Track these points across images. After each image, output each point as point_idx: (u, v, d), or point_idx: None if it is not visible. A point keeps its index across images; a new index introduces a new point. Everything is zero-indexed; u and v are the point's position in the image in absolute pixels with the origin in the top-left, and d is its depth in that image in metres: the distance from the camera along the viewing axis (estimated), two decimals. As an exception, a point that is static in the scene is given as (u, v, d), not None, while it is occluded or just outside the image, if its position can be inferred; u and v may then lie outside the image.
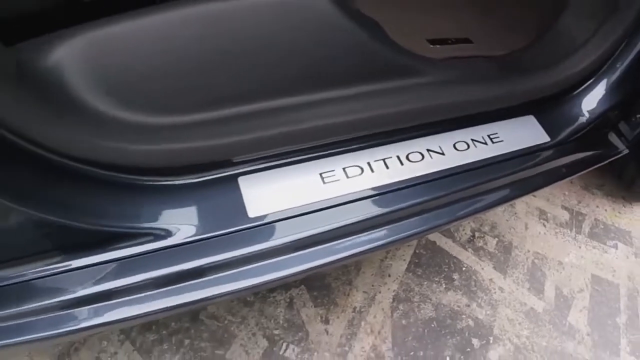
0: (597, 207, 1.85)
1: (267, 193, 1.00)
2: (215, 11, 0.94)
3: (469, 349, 1.40)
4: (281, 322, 1.39)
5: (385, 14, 1.16)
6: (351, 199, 1.03)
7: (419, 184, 1.08)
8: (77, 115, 0.87)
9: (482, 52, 1.39)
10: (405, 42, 1.13)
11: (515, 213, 1.77)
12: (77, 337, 1.30)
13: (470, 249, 1.63)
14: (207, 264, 0.94)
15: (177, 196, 0.99)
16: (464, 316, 1.46)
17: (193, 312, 1.38)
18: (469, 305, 1.49)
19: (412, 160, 1.09)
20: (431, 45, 1.40)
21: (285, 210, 0.99)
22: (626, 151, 1.36)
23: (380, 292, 1.48)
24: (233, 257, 0.95)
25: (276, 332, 1.37)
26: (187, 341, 1.33)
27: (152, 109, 0.94)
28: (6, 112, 0.76)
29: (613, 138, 1.37)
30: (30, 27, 0.91)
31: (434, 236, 1.64)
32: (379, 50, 1.07)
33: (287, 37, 0.99)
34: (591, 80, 1.32)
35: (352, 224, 1.02)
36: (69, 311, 0.90)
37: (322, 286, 1.47)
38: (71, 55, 0.87)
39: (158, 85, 0.94)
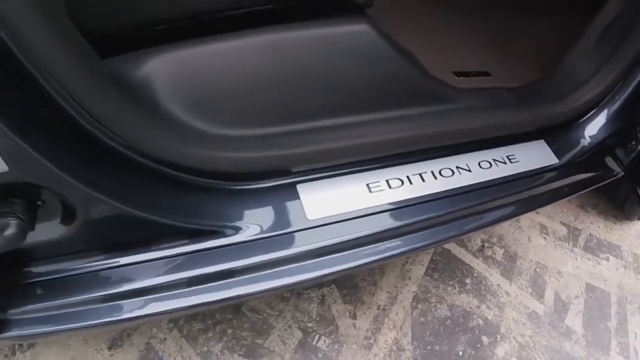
0: (592, 223, 1.98)
1: (323, 199, 1.13)
2: (282, 40, 1.06)
3: (478, 345, 1.53)
4: (314, 316, 1.51)
5: (418, 48, 1.28)
6: (392, 207, 1.16)
7: (449, 196, 1.22)
8: (158, 122, 0.98)
9: (499, 84, 1.53)
10: (435, 73, 1.27)
11: (520, 227, 1.90)
12: (132, 325, 1.41)
13: (480, 257, 1.77)
14: (270, 259, 1.05)
15: (246, 199, 1.10)
16: (474, 316, 1.60)
17: (235, 306, 1.50)
18: (479, 307, 1.62)
19: (444, 175, 1.24)
20: (456, 77, 1.55)
21: (337, 214, 1.12)
22: (622, 174, 1.50)
23: (401, 293, 1.62)
24: (295, 253, 1.07)
25: (309, 325, 1.49)
26: (229, 331, 1.44)
27: (224, 122, 1.05)
28: (104, 117, 0.87)
29: (610, 162, 1.51)
30: (122, 44, 1.01)
31: (449, 245, 1.77)
32: (417, 79, 1.20)
33: (341, 65, 1.11)
34: (593, 111, 1.47)
35: (392, 229, 1.15)
36: (129, 300, 0.99)
37: (350, 286, 1.60)
38: (157, 70, 0.98)
39: (228, 102, 1.05)
